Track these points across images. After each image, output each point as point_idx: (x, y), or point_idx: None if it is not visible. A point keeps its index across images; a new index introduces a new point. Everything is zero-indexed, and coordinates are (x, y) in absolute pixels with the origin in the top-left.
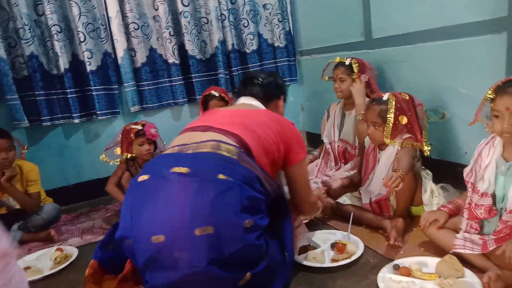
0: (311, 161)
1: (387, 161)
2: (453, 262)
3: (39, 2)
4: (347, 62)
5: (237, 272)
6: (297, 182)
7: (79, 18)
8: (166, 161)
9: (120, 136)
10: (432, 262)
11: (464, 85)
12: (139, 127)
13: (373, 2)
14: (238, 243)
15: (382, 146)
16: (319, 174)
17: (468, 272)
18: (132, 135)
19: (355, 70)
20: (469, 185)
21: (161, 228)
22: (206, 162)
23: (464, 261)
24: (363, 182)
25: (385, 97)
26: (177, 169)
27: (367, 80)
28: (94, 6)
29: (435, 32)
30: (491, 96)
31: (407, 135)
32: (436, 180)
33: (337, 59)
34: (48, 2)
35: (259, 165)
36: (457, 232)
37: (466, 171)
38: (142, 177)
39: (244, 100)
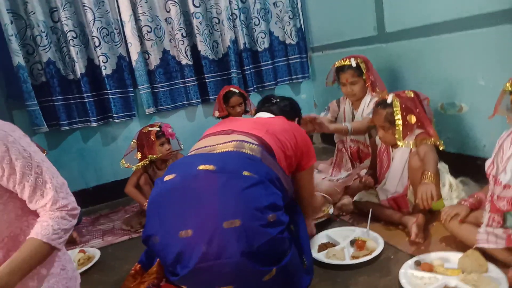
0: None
1: (402, 159)
2: (476, 257)
3: (55, 9)
4: (353, 64)
5: (264, 266)
6: (305, 187)
7: (94, 23)
8: (192, 161)
9: (136, 140)
10: (454, 257)
11: (482, 76)
12: (157, 128)
13: None
14: (264, 235)
15: (394, 145)
16: (334, 172)
17: (492, 267)
18: (153, 137)
19: (364, 70)
20: (490, 178)
21: (188, 223)
22: (231, 160)
23: (488, 255)
24: (379, 181)
25: (389, 99)
26: (203, 167)
27: (373, 79)
28: (107, 10)
29: (452, 24)
30: (510, 89)
31: (419, 131)
32: (455, 174)
33: (339, 63)
34: (63, 9)
35: (280, 165)
36: (479, 226)
37: (487, 163)
38: (168, 177)
39: (262, 114)
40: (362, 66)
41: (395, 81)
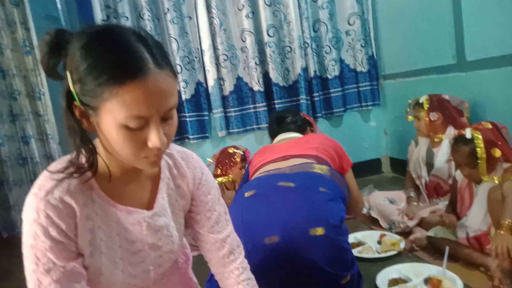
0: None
1: (486, 194)
2: None
3: None
4: (420, 101)
5: (342, 271)
6: (353, 185)
7: (177, 52)
8: (269, 179)
9: (218, 156)
10: None
11: None
12: (241, 152)
13: (466, 20)
14: (343, 246)
15: (478, 181)
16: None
17: None
18: (238, 158)
19: (425, 108)
20: None
21: (275, 229)
22: (307, 179)
23: None
24: (459, 218)
25: (468, 134)
26: (283, 183)
27: (436, 118)
28: (190, 41)
29: None
30: None
31: (507, 165)
32: None
33: (415, 100)
34: None
35: (343, 177)
36: None
37: None
38: (249, 193)
39: (284, 135)
40: (426, 102)
41: (474, 113)
